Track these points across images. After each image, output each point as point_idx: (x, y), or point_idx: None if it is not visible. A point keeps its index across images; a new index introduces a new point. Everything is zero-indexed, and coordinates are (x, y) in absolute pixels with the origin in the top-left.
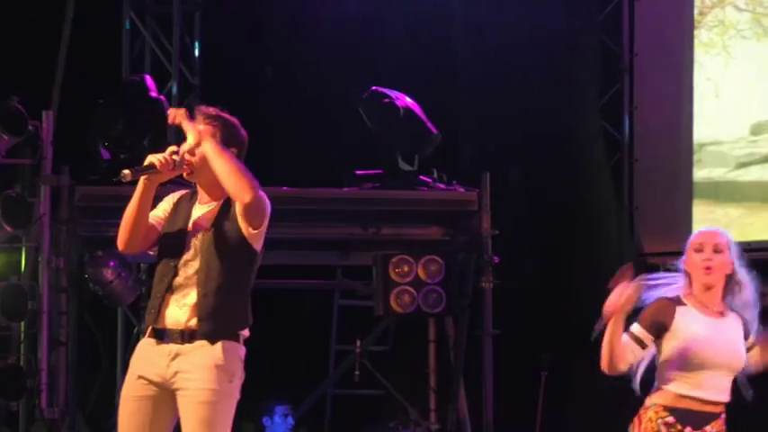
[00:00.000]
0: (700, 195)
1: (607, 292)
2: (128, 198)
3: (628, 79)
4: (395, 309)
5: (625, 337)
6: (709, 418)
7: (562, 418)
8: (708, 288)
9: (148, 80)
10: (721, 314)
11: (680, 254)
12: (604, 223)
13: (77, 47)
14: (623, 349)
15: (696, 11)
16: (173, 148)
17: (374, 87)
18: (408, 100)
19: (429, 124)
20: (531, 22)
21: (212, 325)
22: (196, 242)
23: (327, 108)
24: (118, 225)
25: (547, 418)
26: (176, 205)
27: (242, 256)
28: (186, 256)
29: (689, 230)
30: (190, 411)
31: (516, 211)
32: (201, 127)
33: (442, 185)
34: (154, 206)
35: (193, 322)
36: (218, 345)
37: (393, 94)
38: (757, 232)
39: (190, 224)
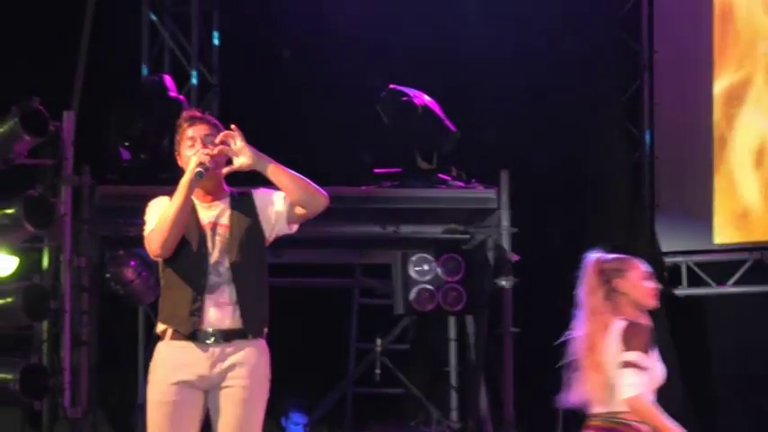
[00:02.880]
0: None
1: None
2: (148, 197)
3: (648, 77)
4: (414, 307)
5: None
6: None
7: (583, 416)
8: (644, 312)
9: (167, 80)
10: None
11: (700, 252)
12: (624, 222)
13: (97, 47)
14: None
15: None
16: (205, 150)
17: (392, 86)
18: (426, 98)
19: (447, 122)
20: (550, 20)
21: (253, 322)
22: (218, 241)
23: (345, 105)
24: (138, 224)
25: (568, 416)
26: None
27: (263, 252)
28: (213, 257)
29: (709, 229)
30: (232, 409)
31: (535, 208)
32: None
33: (460, 183)
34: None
35: (234, 322)
36: (259, 343)
37: (411, 92)
38: None
39: (203, 223)
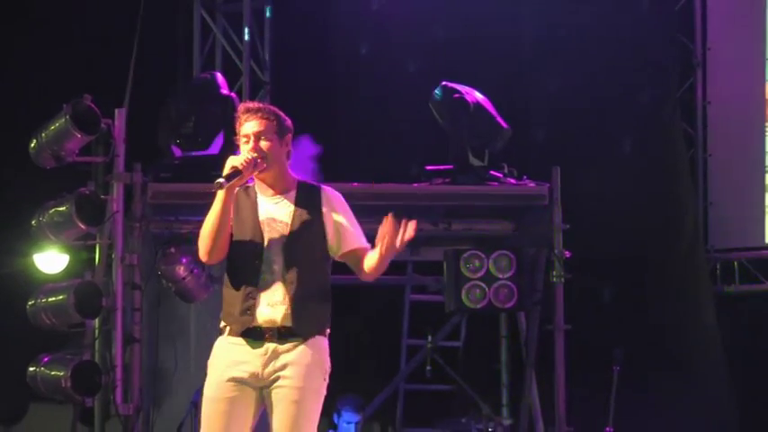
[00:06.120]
0: None
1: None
2: (199, 195)
3: (701, 74)
4: (466, 304)
5: None
6: None
7: (634, 413)
8: None
9: (219, 77)
10: None
11: (753, 249)
12: (679, 219)
13: (149, 45)
14: None
15: None
16: (250, 151)
17: (444, 82)
18: (478, 95)
19: (499, 119)
20: (602, 18)
21: (306, 322)
22: (274, 237)
23: (397, 103)
24: (190, 222)
25: (619, 413)
26: (237, 203)
27: (323, 251)
28: (268, 253)
29: (762, 226)
30: (284, 409)
31: (589, 205)
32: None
33: (512, 180)
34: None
35: (287, 320)
36: (313, 342)
37: (463, 89)
38: None
39: (261, 219)
